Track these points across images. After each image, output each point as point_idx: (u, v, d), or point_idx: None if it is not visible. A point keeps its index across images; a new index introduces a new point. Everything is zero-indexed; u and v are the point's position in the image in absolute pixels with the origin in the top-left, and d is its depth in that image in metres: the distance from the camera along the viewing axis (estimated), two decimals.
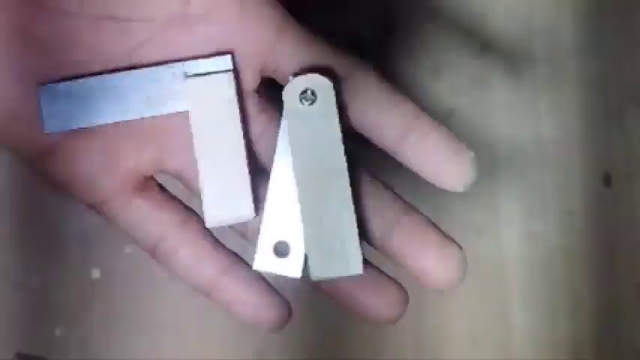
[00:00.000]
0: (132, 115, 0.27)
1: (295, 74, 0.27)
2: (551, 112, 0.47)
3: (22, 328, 0.41)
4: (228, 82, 0.27)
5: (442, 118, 0.45)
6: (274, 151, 0.28)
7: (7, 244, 0.41)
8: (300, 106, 0.27)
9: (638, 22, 0.47)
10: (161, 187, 0.29)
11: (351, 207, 0.27)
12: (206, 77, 0.27)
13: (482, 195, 0.46)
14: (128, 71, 0.27)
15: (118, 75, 0.27)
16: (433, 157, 0.27)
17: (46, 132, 0.27)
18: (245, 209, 0.27)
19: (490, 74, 0.46)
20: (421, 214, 0.29)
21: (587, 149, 0.47)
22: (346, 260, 0.27)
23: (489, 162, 0.46)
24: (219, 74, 0.27)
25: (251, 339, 0.44)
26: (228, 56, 0.28)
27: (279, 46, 0.28)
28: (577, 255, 0.47)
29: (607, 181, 0.47)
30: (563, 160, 0.47)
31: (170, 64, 0.28)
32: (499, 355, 0.46)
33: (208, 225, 0.27)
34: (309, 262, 0.27)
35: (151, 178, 0.29)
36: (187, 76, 0.27)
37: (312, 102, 0.27)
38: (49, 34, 0.27)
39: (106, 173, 0.28)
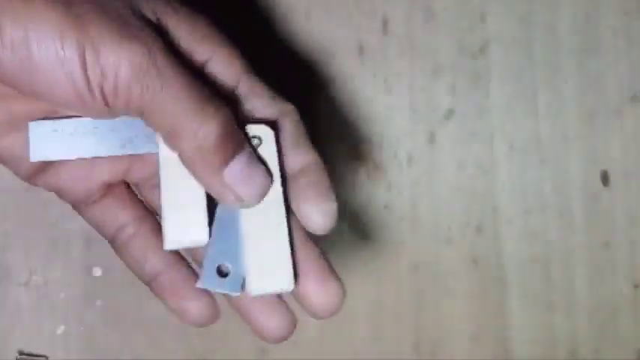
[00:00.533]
0: (107, 153, 0.31)
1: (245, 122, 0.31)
2: (549, 111, 0.47)
3: (24, 326, 0.41)
4: None
5: (441, 118, 0.46)
6: None
7: (10, 242, 0.41)
8: None
9: (636, 22, 0.47)
10: (127, 186, 0.34)
11: (286, 233, 0.31)
12: None
13: (482, 194, 0.46)
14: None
15: (99, 120, 0.31)
16: (303, 205, 0.30)
17: (31, 161, 0.31)
18: (200, 236, 0.30)
19: (489, 74, 0.46)
20: (317, 247, 0.32)
21: (586, 148, 0.47)
22: (280, 278, 0.30)
23: (488, 161, 0.46)
24: None
25: (252, 337, 0.44)
26: None
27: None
28: (575, 253, 0.47)
29: (605, 180, 0.47)
30: (562, 159, 0.47)
31: None
32: (498, 352, 0.46)
33: (166, 247, 0.30)
34: (249, 280, 0.30)
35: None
36: None
37: (258, 146, 0.31)
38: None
39: (83, 183, 0.32)
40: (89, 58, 0.26)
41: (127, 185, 0.34)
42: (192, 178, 0.30)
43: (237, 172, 0.29)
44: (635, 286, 0.47)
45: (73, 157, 0.31)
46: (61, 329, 0.42)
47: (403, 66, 0.45)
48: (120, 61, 0.26)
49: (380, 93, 0.45)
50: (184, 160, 0.29)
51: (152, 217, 0.34)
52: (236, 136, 0.29)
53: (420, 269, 0.46)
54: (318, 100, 0.44)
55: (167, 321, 0.42)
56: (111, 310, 0.42)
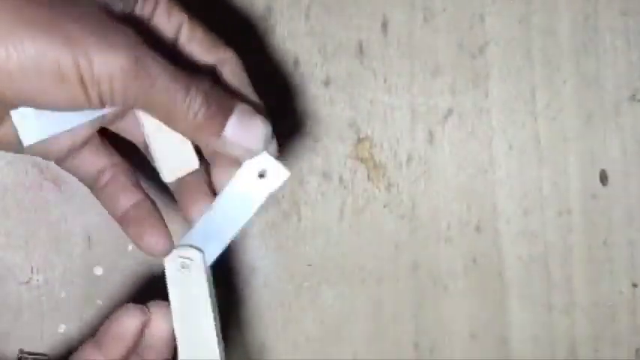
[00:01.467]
0: (90, 117, 0.32)
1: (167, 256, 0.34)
2: (548, 111, 0.47)
3: (26, 325, 0.41)
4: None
5: (441, 118, 0.46)
6: None
7: (11, 241, 0.42)
8: (179, 273, 0.34)
9: (634, 22, 0.47)
10: (101, 136, 0.36)
11: (215, 340, 0.34)
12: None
13: (481, 193, 0.46)
14: None
15: None
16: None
17: (25, 146, 0.31)
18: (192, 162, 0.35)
19: (488, 74, 0.46)
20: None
21: (584, 148, 0.47)
22: None
23: (487, 160, 0.46)
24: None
25: (254, 335, 0.44)
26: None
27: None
28: (574, 253, 0.47)
29: (603, 179, 0.47)
30: (560, 158, 0.47)
31: None
32: (497, 351, 0.46)
33: (166, 180, 0.34)
34: None
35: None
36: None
37: (188, 269, 0.34)
38: None
39: (66, 140, 0.34)
40: (85, 72, 0.29)
41: (101, 136, 0.36)
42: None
43: (235, 129, 0.32)
44: (634, 285, 0.47)
45: (62, 130, 0.32)
46: (62, 328, 0.42)
47: (403, 66, 0.45)
48: (112, 72, 0.29)
49: (380, 93, 0.45)
50: (187, 137, 0.33)
51: (128, 164, 0.36)
52: (223, 101, 0.32)
53: (419, 268, 0.46)
54: (318, 100, 0.45)
55: None
56: (111, 309, 0.42)
